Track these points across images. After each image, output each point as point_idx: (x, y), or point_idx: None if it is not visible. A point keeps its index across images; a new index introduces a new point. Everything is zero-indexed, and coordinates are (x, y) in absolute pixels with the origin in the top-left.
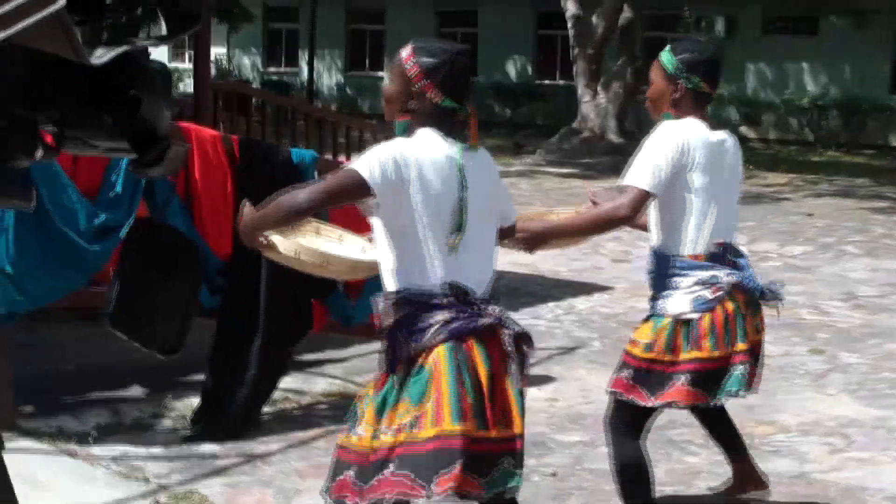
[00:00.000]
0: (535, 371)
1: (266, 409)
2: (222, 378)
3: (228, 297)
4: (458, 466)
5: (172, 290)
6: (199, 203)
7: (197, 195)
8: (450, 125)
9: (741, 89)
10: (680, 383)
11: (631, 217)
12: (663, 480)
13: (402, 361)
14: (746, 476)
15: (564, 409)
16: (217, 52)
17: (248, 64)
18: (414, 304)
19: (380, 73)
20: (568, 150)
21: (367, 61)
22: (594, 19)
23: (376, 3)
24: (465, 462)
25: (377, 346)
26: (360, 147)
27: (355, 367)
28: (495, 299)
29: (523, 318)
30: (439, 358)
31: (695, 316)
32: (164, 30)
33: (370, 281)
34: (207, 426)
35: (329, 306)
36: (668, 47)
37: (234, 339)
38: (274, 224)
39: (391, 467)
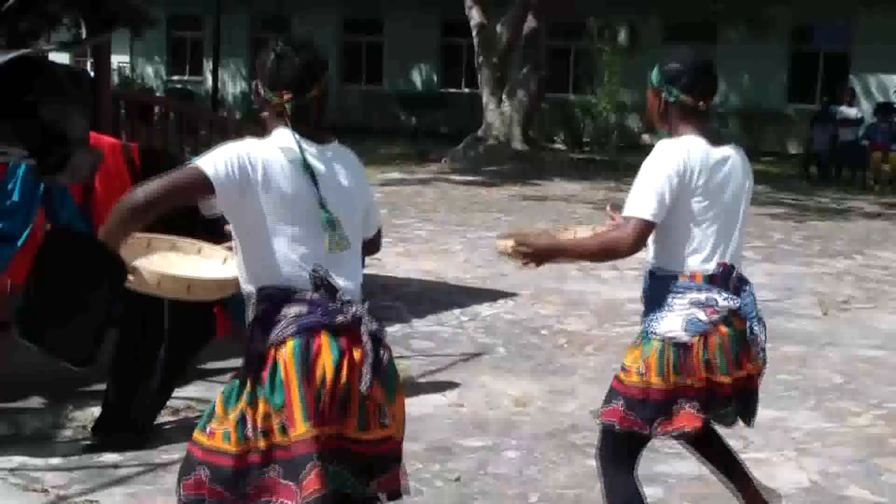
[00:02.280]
0: (439, 377)
1: (169, 417)
2: (124, 387)
3: (129, 306)
4: (316, 468)
5: (87, 300)
6: (99, 211)
7: (96, 203)
8: (305, 121)
9: (643, 97)
10: (687, 408)
11: (635, 250)
12: (565, 484)
13: (255, 357)
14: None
15: (469, 414)
16: (120, 59)
17: (152, 72)
18: (273, 300)
19: None
20: (473, 157)
21: None
22: (498, 28)
23: (280, 11)
24: (321, 461)
25: None
26: None
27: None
28: (363, 301)
29: (427, 324)
30: (288, 354)
31: (686, 339)
32: (83, 33)
33: None
34: (108, 436)
35: (230, 313)
36: (660, 61)
37: (136, 347)
38: (118, 227)
39: (275, 473)
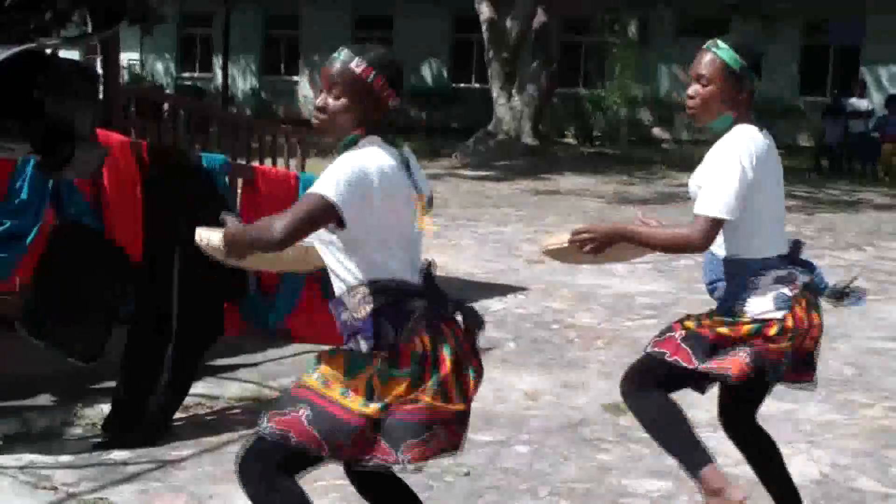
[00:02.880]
0: None
1: (179, 414)
2: (134, 384)
3: (140, 303)
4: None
5: (96, 295)
6: (109, 208)
7: (106, 201)
8: (384, 126)
9: (655, 91)
10: (742, 355)
11: (705, 248)
12: (575, 477)
13: (384, 347)
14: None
15: (478, 409)
16: (130, 57)
17: (162, 69)
18: (391, 294)
19: (295, 78)
20: (484, 152)
21: (282, 66)
22: (508, 23)
23: (292, 8)
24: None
25: (292, 349)
26: (274, 152)
27: (269, 371)
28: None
29: None
30: (425, 344)
31: (779, 315)
32: (89, 27)
33: (284, 283)
34: (118, 433)
35: (242, 309)
36: (719, 41)
37: (147, 344)
38: (243, 253)
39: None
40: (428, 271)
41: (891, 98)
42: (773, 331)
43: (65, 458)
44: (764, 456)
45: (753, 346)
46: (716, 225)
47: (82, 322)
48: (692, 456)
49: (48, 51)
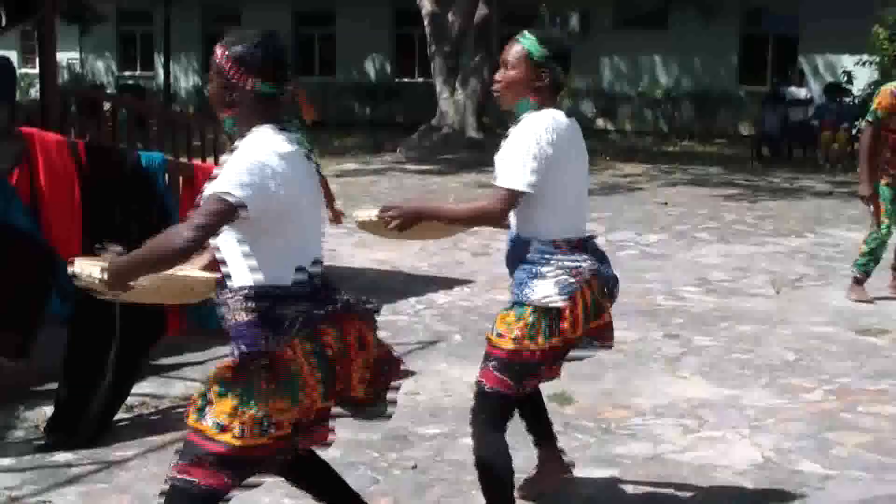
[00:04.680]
0: None
1: (123, 414)
2: (77, 385)
3: (80, 304)
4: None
5: (18, 293)
6: (47, 208)
7: (43, 201)
8: (276, 111)
9: (597, 83)
10: (546, 367)
11: (504, 218)
12: (521, 468)
13: (263, 355)
14: (553, 459)
15: (425, 402)
16: (69, 56)
17: (103, 68)
18: (271, 299)
19: None
20: (428, 146)
21: None
22: (450, 16)
23: (231, 4)
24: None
25: None
26: (216, 149)
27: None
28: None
29: (383, 313)
30: (305, 353)
31: (560, 302)
32: (2, 20)
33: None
34: (61, 435)
35: (183, 308)
36: (526, 32)
37: (88, 345)
38: (157, 267)
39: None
40: (305, 272)
41: (828, 86)
42: (543, 322)
43: (6, 462)
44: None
45: (557, 353)
46: (513, 196)
47: (5, 319)
48: None
49: None
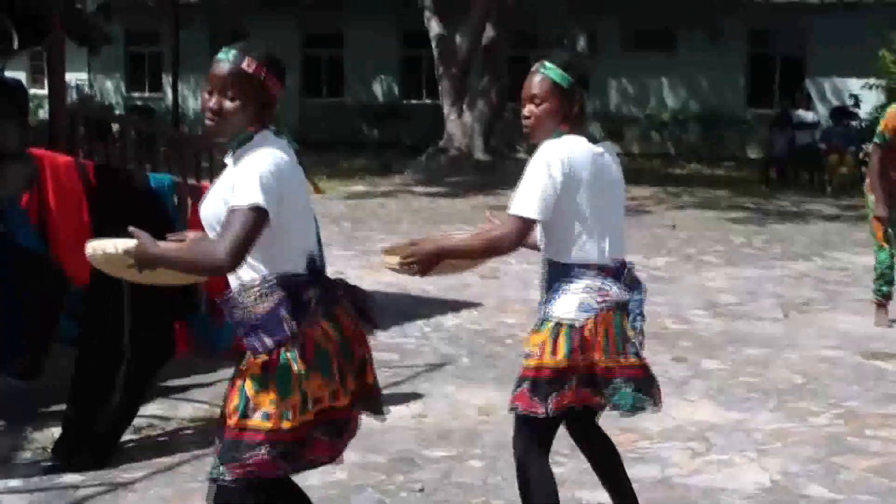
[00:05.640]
0: (403, 388)
1: (131, 436)
2: (85, 406)
3: (88, 324)
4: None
5: (28, 313)
6: (55, 229)
7: (52, 221)
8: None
9: (604, 105)
10: (574, 386)
11: (515, 247)
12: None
13: (292, 339)
14: None
15: (432, 425)
16: (78, 77)
17: (112, 88)
18: (294, 284)
19: None
20: (435, 169)
21: None
22: (458, 38)
23: (240, 24)
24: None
25: None
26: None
27: (222, 391)
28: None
29: (391, 336)
30: (328, 333)
31: (579, 321)
32: (15, 43)
33: None
34: (69, 456)
35: (192, 328)
36: (546, 62)
37: (96, 366)
38: (184, 272)
39: (319, 433)
40: (313, 259)
41: (835, 110)
42: (563, 337)
43: (14, 483)
44: (605, 462)
45: (579, 373)
46: (525, 224)
47: (12, 338)
48: None
49: None
